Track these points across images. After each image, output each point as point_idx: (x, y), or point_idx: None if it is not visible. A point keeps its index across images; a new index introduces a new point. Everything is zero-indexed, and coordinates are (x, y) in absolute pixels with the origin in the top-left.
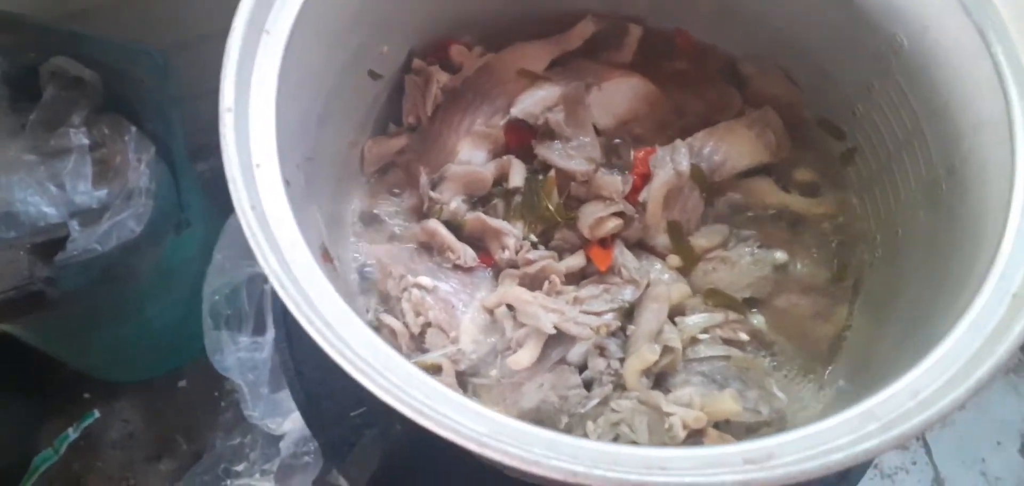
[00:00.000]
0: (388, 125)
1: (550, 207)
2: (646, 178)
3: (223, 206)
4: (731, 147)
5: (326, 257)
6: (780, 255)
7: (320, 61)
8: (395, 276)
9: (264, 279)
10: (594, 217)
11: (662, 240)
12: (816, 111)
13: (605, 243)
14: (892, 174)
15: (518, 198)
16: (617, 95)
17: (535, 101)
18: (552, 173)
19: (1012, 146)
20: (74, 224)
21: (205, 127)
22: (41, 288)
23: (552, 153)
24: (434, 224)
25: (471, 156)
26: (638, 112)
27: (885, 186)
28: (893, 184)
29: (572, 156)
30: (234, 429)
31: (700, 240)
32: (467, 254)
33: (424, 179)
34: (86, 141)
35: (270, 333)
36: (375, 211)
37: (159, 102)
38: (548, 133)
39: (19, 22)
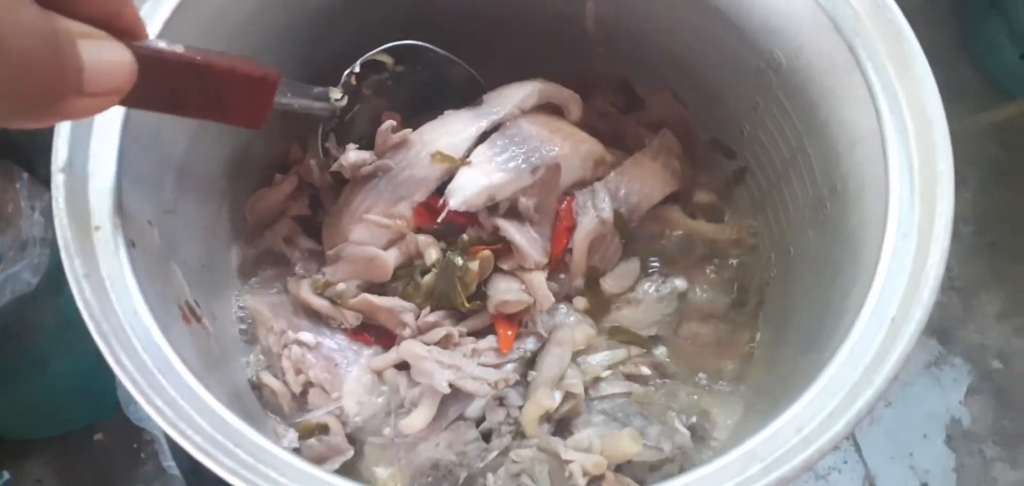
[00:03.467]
0: (273, 174)
1: (465, 302)
2: (571, 229)
3: None
4: (643, 184)
5: (188, 317)
6: (680, 282)
7: None
8: (276, 331)
9: None
10: (500, 299)
11: (577, 284)
12: (707, 131)
13: (512, 317)
14: (782, 193)
15: (427, 278)
16: None
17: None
18: (476, 263)
19: (885, 164)
20: None
21: None
22: None
23: (512, 230)
24: (310, 296)
25: (364, 240)
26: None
27: (776, 205)
28: (784, 203)
29: (534, 241)
30: (154, 481)
31: (607, 283)
32: (349, 316)
33: (297, 264)
34: None
35: None
36: (258, 263)
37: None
38: (513, 213)
39: None
